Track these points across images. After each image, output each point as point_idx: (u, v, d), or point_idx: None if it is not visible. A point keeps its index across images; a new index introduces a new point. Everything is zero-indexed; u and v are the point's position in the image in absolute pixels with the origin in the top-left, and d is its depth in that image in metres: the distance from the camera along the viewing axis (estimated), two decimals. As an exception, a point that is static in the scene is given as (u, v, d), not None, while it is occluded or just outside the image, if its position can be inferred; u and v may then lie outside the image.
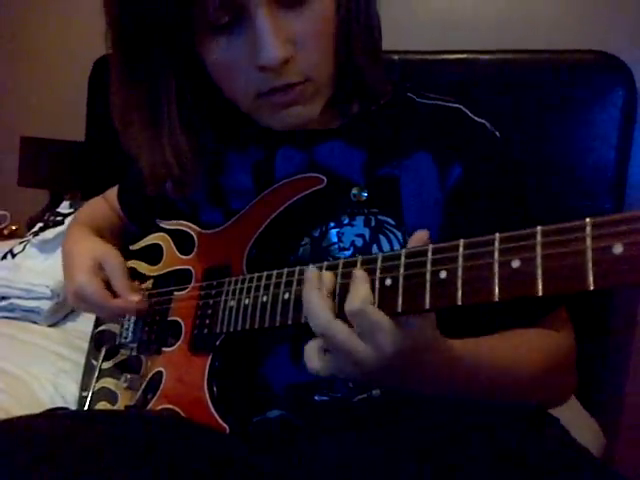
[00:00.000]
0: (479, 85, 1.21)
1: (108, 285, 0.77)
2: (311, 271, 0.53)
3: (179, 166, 0.69)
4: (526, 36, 1.27)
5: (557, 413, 0.64)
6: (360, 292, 0.49)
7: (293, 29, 0.60)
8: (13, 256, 1.35)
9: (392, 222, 0.68)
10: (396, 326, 0.48)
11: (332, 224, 0.69)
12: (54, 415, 0.63)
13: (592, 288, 0.36)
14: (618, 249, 0.36)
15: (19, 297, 1.25)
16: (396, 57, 1.23)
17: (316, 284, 0.52)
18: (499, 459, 0.52)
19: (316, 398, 0.67)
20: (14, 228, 1.82)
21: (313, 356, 0.53)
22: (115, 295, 0.76)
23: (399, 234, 0.68)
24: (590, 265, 0.37)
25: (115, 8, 0.62)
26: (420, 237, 0.50)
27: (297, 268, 0.58)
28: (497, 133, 0.72)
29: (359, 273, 0.50)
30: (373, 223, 0.68)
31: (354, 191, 0.69)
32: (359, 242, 0.68)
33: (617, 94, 1.12)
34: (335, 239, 0.69)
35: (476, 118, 0.71)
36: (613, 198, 1.15)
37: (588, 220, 0.38)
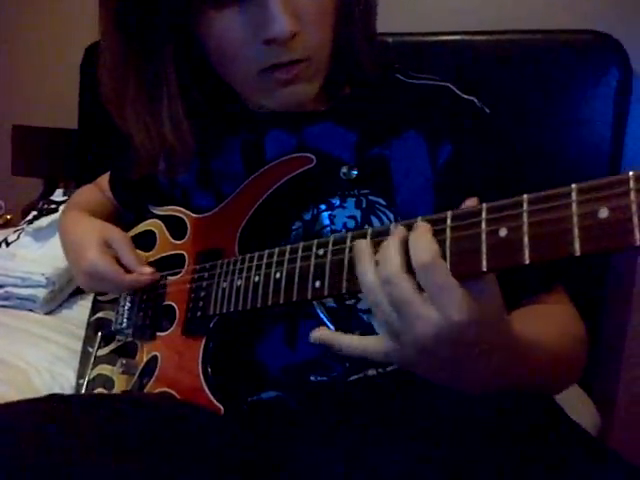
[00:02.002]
0: (474, 66, 1.20)
1: (118, 261, 0.78)
2: (396, 224, 0.48)
3: (175, 137, 0.67)
4: (520, 16, 1.26)
5: (554, 392, 0.64)
6: (428, 243, 0.44)
7: (300, 5, 0.60)
8: (7, 245, 1.34)
9: (383, 202, 0.68)
10: (468, 293, 0.42)
11: (323, 206, 0.69)
12: (52, 399, 0.63)
13: (579, 254, 0.36)
14: (604, 213, 0.36)
15: (15, 285, 1.25)
16: (390, 39, 1.22)
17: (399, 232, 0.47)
18: (494, 440, 0.52)
19: (312, 378, 0.67)
20: (9, 217, 1.81)
21: None
22: (126, 270, 0.77)
23: (390, 214, 0.68)
24: (576, 231, 0.37)
25: None
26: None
27: (288, 247, 0.58)
28: (486, 109, 0.72)
29: (422, 224, 0.45)
30: (364, 204, 0.68)
31: (343, 169, 0.68)
32: (351, 224, 0.68)
33: (612, 73, 1.11)
34: (327, 222, 0.69)
35: (464, 95, 0.71)
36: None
37: (574, 186, 0.37)
